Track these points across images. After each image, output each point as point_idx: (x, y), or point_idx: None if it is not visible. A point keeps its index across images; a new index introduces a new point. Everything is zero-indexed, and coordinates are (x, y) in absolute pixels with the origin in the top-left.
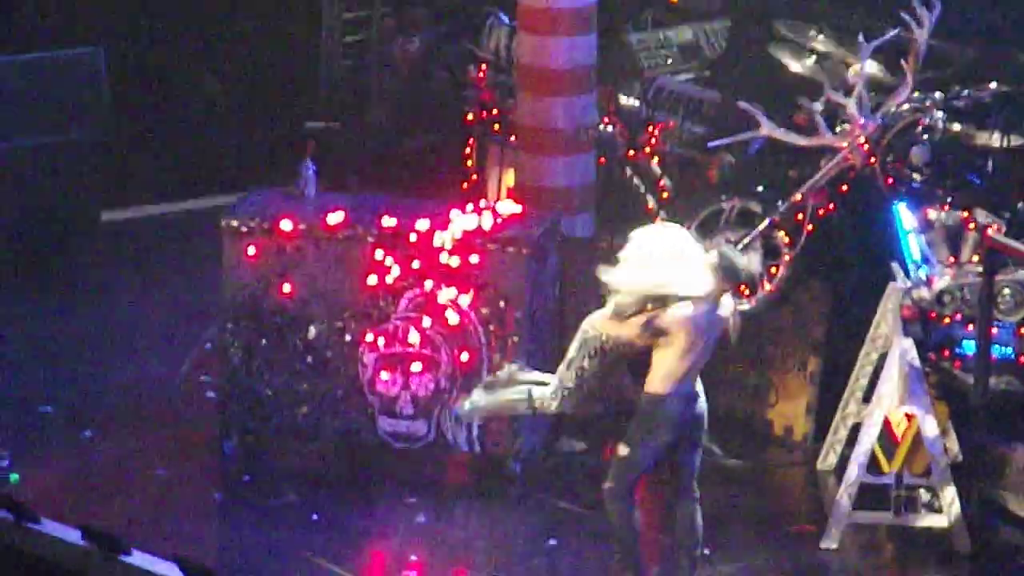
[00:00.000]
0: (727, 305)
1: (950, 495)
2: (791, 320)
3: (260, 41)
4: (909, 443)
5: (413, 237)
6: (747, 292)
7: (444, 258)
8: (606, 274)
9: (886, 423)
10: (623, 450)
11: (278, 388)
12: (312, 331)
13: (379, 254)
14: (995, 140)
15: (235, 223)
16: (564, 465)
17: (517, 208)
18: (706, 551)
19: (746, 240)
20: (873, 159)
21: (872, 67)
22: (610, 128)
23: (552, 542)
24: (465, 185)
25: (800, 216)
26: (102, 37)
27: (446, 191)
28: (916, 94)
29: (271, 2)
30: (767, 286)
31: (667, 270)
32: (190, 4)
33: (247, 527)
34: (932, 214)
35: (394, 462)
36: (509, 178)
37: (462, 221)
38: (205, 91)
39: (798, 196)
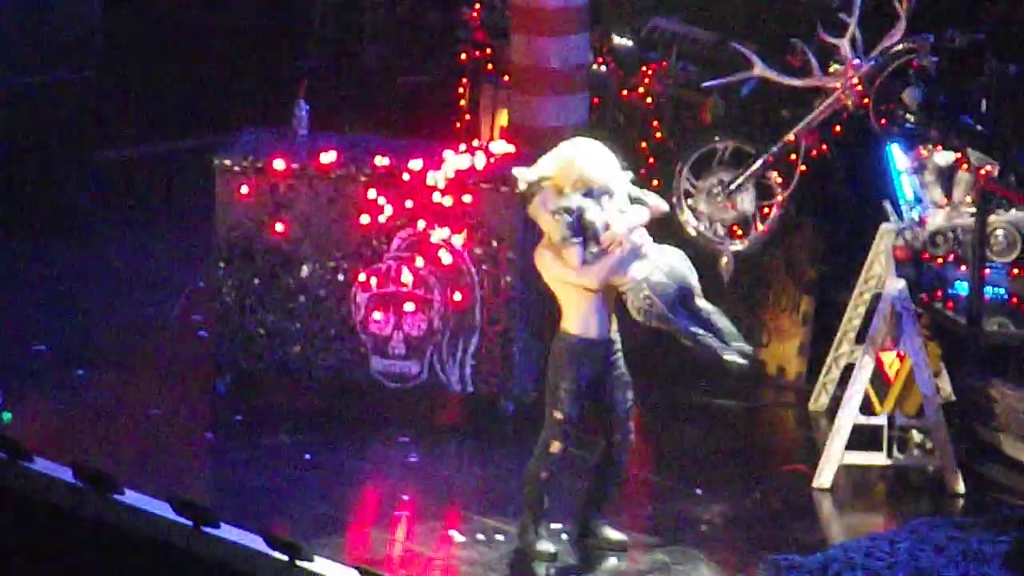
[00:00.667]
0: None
1: (942, 435)
2: (784, 261)
3: None
4: (901, 384)
5: (406, 177)
6: (740, 233)
7: (437, 198)
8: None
9: (878, 364)
10: (555, 414)
11: (270, 327)
12: (305, 271)
13: (372, 194)
14: (988, 81)
15: (228, 162)
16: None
17: (510, 148)
18: (698, 491)
19: (739, 180)
20: (866, 100)
21: None
22: (603, 68)
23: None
24: (458, 125)
25: (793, 157)
26: None
27: (439, 131)
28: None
29: None
30: (760, 226)
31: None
32: None
33: (239, 467)
34: (925, 155)
35: (386, 402)
36: (502, 118)
37: (455, 161)
38: (198, 30)
39: (791, 136)
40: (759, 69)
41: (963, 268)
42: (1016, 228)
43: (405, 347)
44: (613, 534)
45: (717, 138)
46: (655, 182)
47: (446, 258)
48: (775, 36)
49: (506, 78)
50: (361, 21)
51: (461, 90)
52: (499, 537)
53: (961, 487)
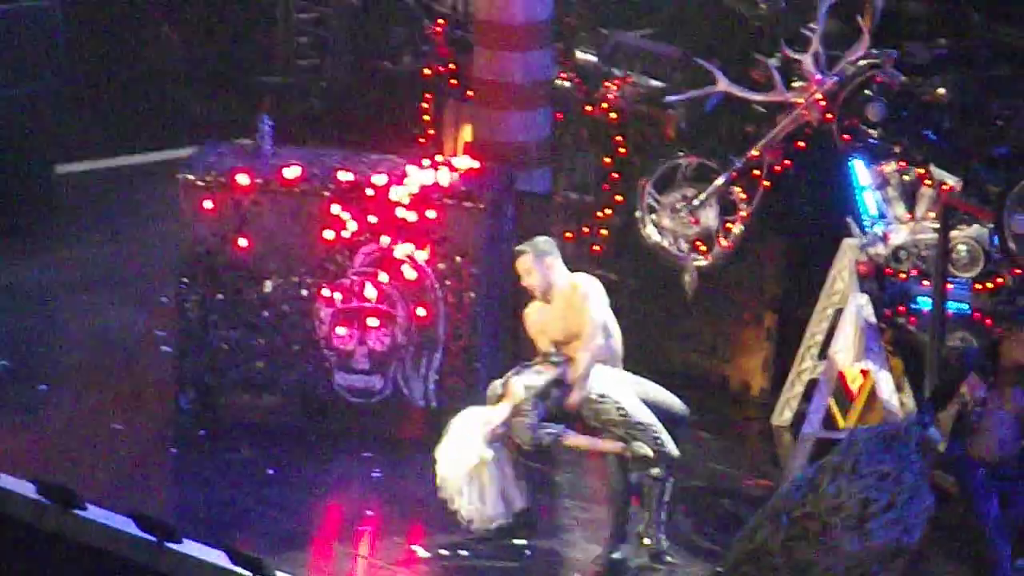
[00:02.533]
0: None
1: None
2: (747, 276)
3: None
4: (864, 399)
5: (370, 192)
6: (703, 248)
7: (401, 213)
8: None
9: (841, 379)
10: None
11: (234, 342)
12: (268, 286)
13: (336, 209)
14: (950, 96)
15: (191, 177)
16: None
17: (474, 163)
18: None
19: (703, 196)
20: (829, 115)
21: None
22: (567, 83)
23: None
24: (422, 140)
25: (757, 172)
26: None
27: (403, 146)
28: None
29: None
30: (723, 242)
31: None
32: None
33: (202, 482)
34: (888, 170)
35: (350, 416)
36: (466, 133)
37: (419, 176)
38: (162, 45)
39: (755, 152)
40: (723, 84)
41: (926, 283)
42: (979, 243)
43: (369, 362)
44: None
45: (681, 153)
46: (619, 197)
47: (410, 273)
48: (738, 51)
49: (470, 93)
50: (325, 36)
51: (425, 105)
52: (462, 552)
53: None
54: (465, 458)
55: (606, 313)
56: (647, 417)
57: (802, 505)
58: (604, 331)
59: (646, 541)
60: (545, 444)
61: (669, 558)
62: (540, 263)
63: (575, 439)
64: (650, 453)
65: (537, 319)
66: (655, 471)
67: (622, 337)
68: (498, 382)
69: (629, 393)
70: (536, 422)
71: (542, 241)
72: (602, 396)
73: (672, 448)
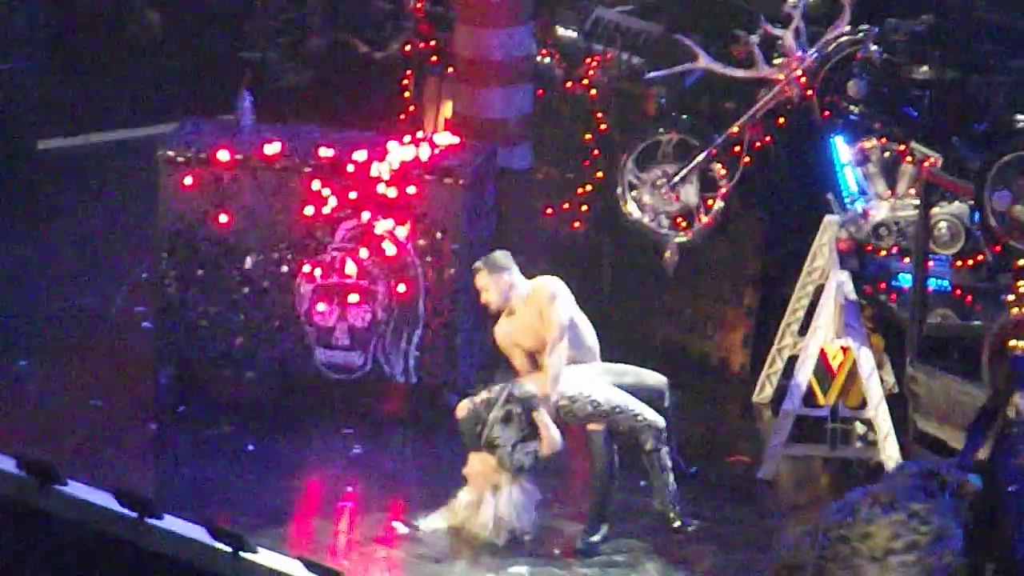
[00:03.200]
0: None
1: (885, 427)
2: (728, 252)
3: None
4: (845, 376)
5: (350, 168)
6: (684, 224)
7: (381, 189)
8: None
9: (822, 356)
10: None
11: (214, 318)
12: (248, 262)
13: (316, 185)
14: (931, 73)
15: (171, 153)
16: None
17: (454, 139)
18: (642, 482)
19: (683, 172)
20: (810, 92)
21: None
22: (548, 60)
23: None
24: (402, 116)
25: (737, 149)
26: None
27: (384, 122)
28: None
29: None
30: (704, 218)
31: None
32: None
33: (182, 458)
34: (869, 147)
35: (330, 393)
36: (447, 109)
37: (399, 152)
38: (141, 20)
39: (735, 128)
40: (703, 61)
41: (907, 260)
42: (959, 220)
43: (349, 338)
44: None
45: (661, 130)
46: (599, 174)
47: (390, 249)
48: (719, 28)
49: (451, 70)
50: (305, 11)
51: (405, 81)
52: (440, 530)
53: None
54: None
55: (574, 311)
56: (622, 399)
57: (839, 527)
58: (572, 330)
59: (669, 515)
60: (528, 465)
61: (691, 527)
62: (497, 279)
63: (548, 442)
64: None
65: (507, 333)
66: (647, 445)
67: (602, 314)
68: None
69: (600, 384)
70: (509, 448)
71: (497, 256)
72: (571, 398)
73: (655, 418)
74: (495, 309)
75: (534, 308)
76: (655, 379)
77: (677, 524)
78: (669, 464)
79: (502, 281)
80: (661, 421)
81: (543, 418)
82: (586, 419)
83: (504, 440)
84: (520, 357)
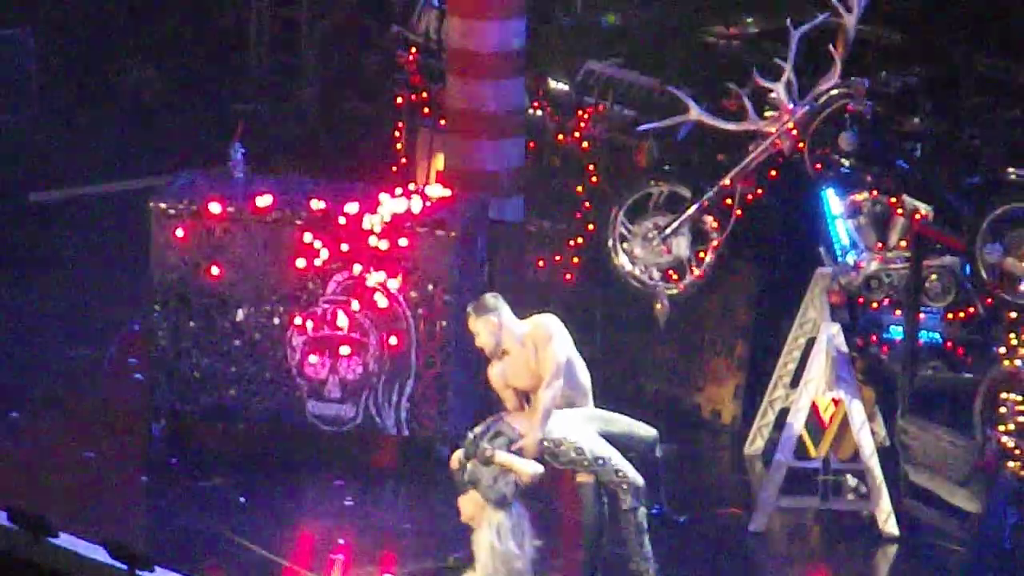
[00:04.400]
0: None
1: (877, 480)
2: (719, 305)
3: (189, 22)
4: (836, 428)
5: (342, 220)
6: (675, 277)
7: (373, 241)
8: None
9: (813, 408)
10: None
11: (206, 370)
12: (240, 314)
13: (308, 237)
14: (922, 126)
15: (163, 205)
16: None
17: (446, 192)
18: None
19: (674, 225)
20: (801, 144)
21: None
22: (539, 112)
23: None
24: (394, 168)
25: (729, 201)
26: (31, 18)
27: (375, 174)
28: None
29: None
30: (695, 271)
31: None
32: None
33: (174, 510)
34: (860, 199)
35: (322, 445)
36: (438, 161)
37: (391, 204)
38: (134, 73)
39: (727, 181)
40: (695, 113)
41: (898, 313)
42: (951, 273)
43: (341, 390)
44: None
45: (652, 182)
46: (590, 226)
47: (382, 302)
48: (711, 80)
49: (442, 122)
50: (297, 64)
51: (397, 133)
52: None
53: (896, 531)
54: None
55: (570, 351)
56: (607, 452)
57: None
58: (568, 370)
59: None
60: (510, 495)
61: None
62: (486, 322)
63: (522, 473)
64: (615, 477)
65: (499, 374)
66: (625, 504)
67: (594, 366)
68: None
69: (587, 431)
70: (491, 481)
71: (486, 299)
72: (555, 441)
73: (635, 477)
74: (489, 353)
75: (530, 347)
76: (645, 431)
77: None
78: (646, 526)
79: (491, 323)
80: (641, 480)
81: (505, 458)
82: (568, 464)
83: (485, 474)
84: (513, 399)
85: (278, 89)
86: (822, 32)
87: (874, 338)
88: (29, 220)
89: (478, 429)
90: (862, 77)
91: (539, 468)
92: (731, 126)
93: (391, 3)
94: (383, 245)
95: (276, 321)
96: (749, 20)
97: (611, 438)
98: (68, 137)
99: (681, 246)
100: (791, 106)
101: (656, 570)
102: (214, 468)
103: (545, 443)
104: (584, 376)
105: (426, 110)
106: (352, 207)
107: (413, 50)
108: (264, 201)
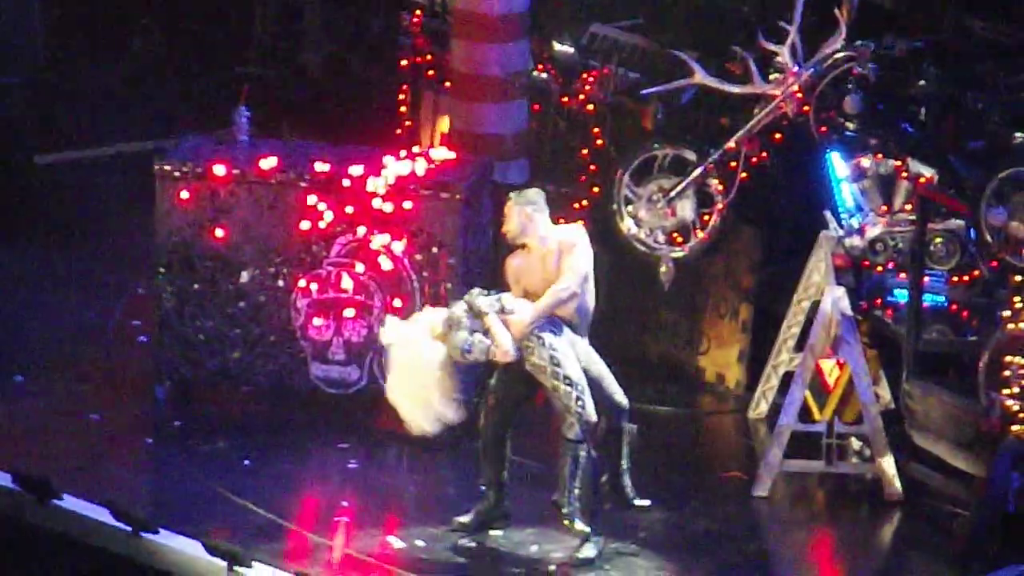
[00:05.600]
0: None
1: (881, 443)
2: (723, 268)
3: None
4: (841, 391)
5: (346, 183)
6: (680, 240)
7: (377, 204)
8: None
9: (818, 371)
10: None
11: (210, 333)
12: (245, 276)
13: (312, 199)
14: (927, 89)
15: (168, 167)
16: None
17: (451, 154)
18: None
19: (679, 188)
20: (806, 108)
21: None
22: (544, 75)
23: (482, 487)
24: (399, 131)
25: (733, 164)
26: None
27: (380, 137)
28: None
29: None
30: (700, 234)
31: None
32: None
33: (179, 472)
34: (865, 163)
35: (326, 407)
36: (443, 124)
37: (395, 167)
38: (140, 36)
39: (731, 144)
40: (699, 76)
41: (902, 276)
42: (956, 236)
43: (345, 353)
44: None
45: (657, 145)
46: (595, 188)
47: (386, 264)
48: (715, 43)
49: (447, 85)
50: (301, 27)
51: (402, 96)
52: (438, 543)
53: (900, 494)
54: (412, 359)
55: (588, 268)
56: (577, 376)
57: None
58: (583, 282)
59: (562, 510)
60: (475, 356)
61: (587, 532)
62: (520, 210)
63: (503, 343)
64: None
65: (516, 267)
66: (570, 433)
67: (598, 329)
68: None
69: (569, 353)
70: (469, 335)
71: (531, 192)
72: (540, 339)
73: (592, 414)
74: (511, 238)
75: (552, 251)
76: (620, 396)
77: (566, 523)
78: (583, 465)
79: (524, 213)
80: (595, 418)
81: (494, 321)
82: (536, 367)
83: (466, 328)
84: (518, 293)
85: (283, 53)
86: None
87: (878, 301)
88: (34, 182)
89: (482, 291)
90: (867, 40)
91: (513, 351)
92: (736, 89)
93: None
94: (387, 208)
95: (280, 283)
96: None
97: (587, 376)
98: (73, 100)
99: (686, 209)
100: (796, 69)
101: (574, 511)
102: (218, 431)
103: (530, 337)
104: (590, 304)
105: (431, 73)
106: (356, 170)
107: (418, 13)
108: (268, 163)
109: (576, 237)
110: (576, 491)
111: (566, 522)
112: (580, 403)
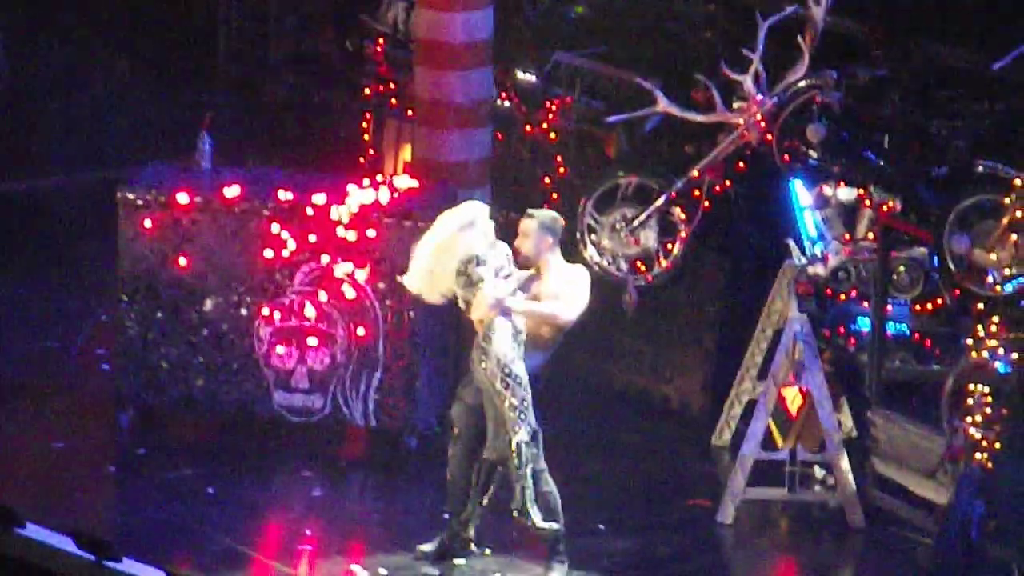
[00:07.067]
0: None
1: (844, 471)
2: (687, 296)
3: (159, 13)
4: (803, 419)
5: (310, 211)
6: (643, 268)
7: (341, 232)
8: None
9: (780, 399)
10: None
11: (173, 361)
12: (208, 304)
13: (275, 228)
14: (890, 118)
15: (131, 196)
16: None
17: (414, 182)
18: (600, 526)
19: (643, 216)
20: (769, 136)
21: None
22: (507, 103)
23: (447, 516)
24: (362, 159)
25: (697, 192)
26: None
27: (343, 165)
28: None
29: None
30: (663, 262)
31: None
32: None
33: (142, 500)
34: (828, 191)
35: (290, 436)
36: (406, 152)
37: (359, 195)
38: (103, 63)
39: (695, 172)
40: (663, 104)
41: (866, 304)
42: (919, 264)
43: (308, 381)
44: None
45: (621, 173)
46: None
47: (349, 292)
48: (679, 72)
49: (410, 112)
50: (265, 56)
51: (365, 124)
52: (402, 572)
53: (862, 522)
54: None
55: (581, 309)
56: (525, 380)
57: None
58: (574, 314)
59: (529, 512)
60: (493, 315)
61: (552, 529)
62: (542, 236)
63: (485, 299)
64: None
65: (522, 278)
66: (521, 434)
67: (562, 357)
68: None
69: (521, 363)
70: (502, 297)
71: (551, 219)
72: (507, 324)
73: (532, 420)
74: (522, 259)
75: (561, 283)
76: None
77: (540, 525)
78: (526, 460)
79: (545, 241)
80: (535, 425)
81: (482, 276)
82: (481, 348)
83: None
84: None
85: (246, 80)
86: (791, 24)
87: (842, 330)
88: None
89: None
90: (831, 69)
91: (493, 307)
92: (699, 117)
93: None
94: (351, 236)
95: (244, 312)
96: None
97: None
98: (35, 126)
99: (649, 237)
100: (759, 97)
101: (532, 505)
102: (182, 459)
103: (502, 315)
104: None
105: (394, 101)
106: (320, 198)
107: (381, 41)
108: (232, 192)
109: (586, 278)
110: (528, 490)
111: (529, 523)
112: (525, 404)
